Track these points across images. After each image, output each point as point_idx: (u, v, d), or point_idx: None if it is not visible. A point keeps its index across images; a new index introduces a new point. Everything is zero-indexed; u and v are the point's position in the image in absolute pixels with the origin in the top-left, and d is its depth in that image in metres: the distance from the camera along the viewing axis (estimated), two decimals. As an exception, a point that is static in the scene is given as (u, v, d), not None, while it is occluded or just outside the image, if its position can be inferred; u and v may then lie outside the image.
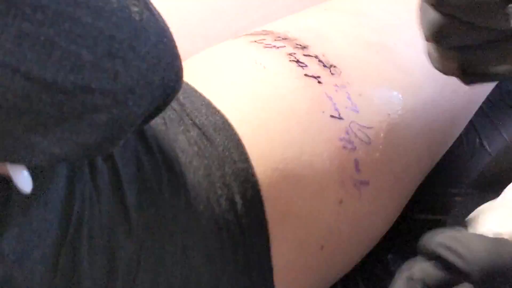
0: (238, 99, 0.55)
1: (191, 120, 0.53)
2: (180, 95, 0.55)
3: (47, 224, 0.44)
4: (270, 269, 0.53)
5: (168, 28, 0.42)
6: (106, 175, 0.48)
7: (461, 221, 0.63)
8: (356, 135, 0.56)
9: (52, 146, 0.38)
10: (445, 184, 0.70)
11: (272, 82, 0.55)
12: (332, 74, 0.57)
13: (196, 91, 0.56)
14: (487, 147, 0.74)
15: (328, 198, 0.55)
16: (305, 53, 0.58)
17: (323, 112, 0.55)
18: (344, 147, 0.55)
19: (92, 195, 0.46)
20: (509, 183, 0.66)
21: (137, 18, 0.39)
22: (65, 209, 0.45)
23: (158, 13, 0.42)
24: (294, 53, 0.58)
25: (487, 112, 0.74)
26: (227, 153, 0.52)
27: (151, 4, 0.41)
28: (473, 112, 0.72)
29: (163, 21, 0.42)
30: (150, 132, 0.51)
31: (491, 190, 0.70)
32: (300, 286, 0.56)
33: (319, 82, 0.56)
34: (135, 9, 0.39)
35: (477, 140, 0.75)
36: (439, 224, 0.67)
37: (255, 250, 0.52)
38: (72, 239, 0.45)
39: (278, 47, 0.59)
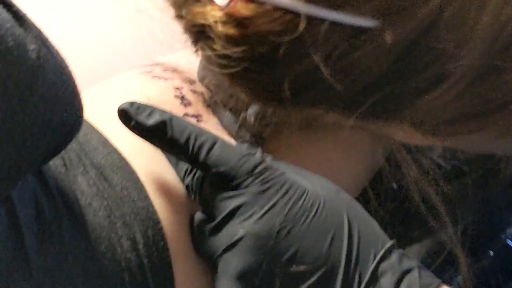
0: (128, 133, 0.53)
1: (90, 160, 0.52)
2: (80, 133, 0.53)
3: None
4: None
5: (67, 66, 0.42)
6: (4, 218, 0.46)
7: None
8: None
9: None
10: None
11: None
12: None
13: (92, 127, 0.55)
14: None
15: None
16: (193, 88, 0.59)
17: None
18: None
19: None
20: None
21: (34, 56, 0.38)
22: None
23: (57, 51, 0.41)
24: (182, 87, 0.58)
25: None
26: (125, 192, 0.51)
27: (49, 41, 0.41)
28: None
29: (61, 59, 0.41)
30: (49, 174, 0.49)
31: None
32: None
33: (198, 121, 0.57)
34: (32, 46, 0.38)
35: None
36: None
37: None
38: None
39: (166, 79, 0.59)
